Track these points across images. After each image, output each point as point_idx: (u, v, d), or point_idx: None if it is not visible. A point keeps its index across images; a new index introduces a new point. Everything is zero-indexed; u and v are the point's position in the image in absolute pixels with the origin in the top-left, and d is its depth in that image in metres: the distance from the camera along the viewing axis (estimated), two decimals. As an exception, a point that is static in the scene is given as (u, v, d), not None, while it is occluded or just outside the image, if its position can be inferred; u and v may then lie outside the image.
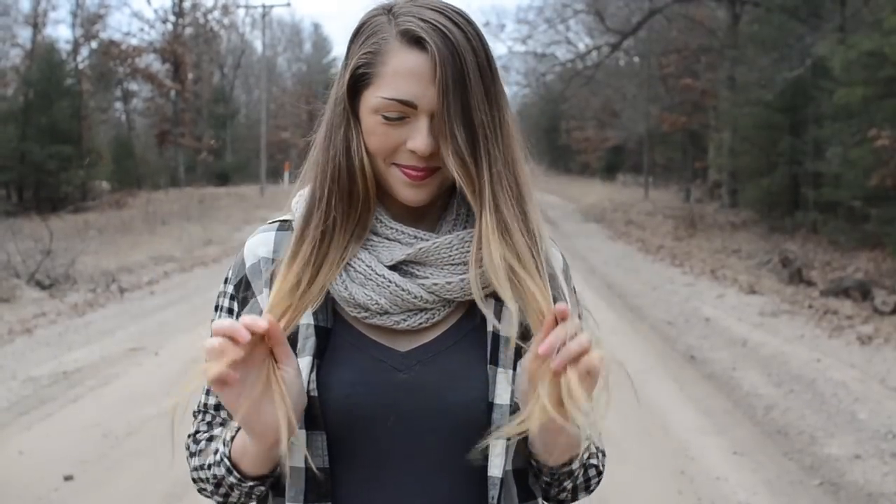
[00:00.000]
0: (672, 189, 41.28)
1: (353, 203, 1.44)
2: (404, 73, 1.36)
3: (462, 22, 1.39)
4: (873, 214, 16.92)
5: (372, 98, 1.39)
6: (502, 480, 1.41)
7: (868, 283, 13.67)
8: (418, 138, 1.37)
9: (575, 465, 1.44)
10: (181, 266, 18.17)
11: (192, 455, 1.55)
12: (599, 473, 1.57)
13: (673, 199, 36.06)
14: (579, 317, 1.53)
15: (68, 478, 5.93)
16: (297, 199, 1.54)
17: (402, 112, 1.37)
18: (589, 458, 1.52)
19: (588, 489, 1.57)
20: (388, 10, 1.42)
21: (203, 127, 50.90)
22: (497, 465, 1.40)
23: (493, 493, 1.40)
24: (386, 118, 1.38)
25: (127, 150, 43.30)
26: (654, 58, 39.28)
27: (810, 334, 10.71)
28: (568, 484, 1.49)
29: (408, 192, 1.42)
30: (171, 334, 10.49)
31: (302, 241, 1.44)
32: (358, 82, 1.41)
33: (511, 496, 1.45)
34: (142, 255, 19.54)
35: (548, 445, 1.38)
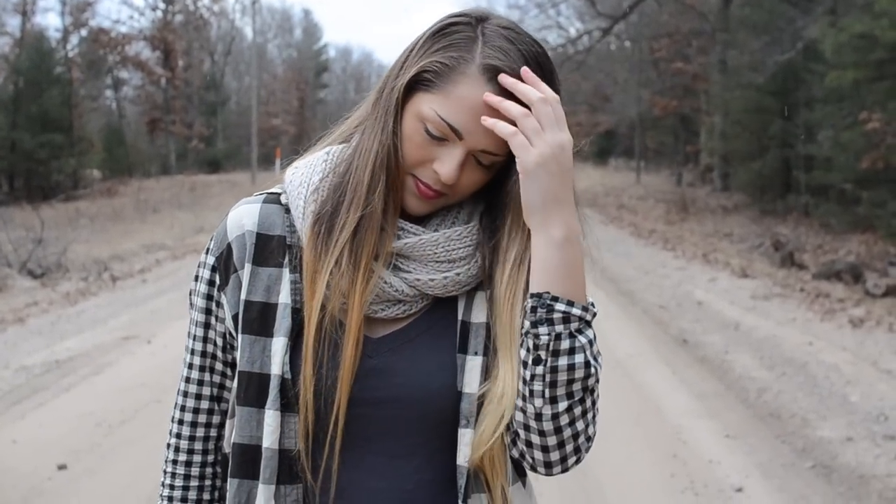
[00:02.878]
0: (664, 173, 41.34)
1: (398, 193, 1.44)
2: (468, 104, 1.37)
3: (546, 73, 1.41)
4: (865, 197, 16.94)
5: (425, 106, 1.38)
6: (471, 470, 1.42)
7: (859, 266, 13.70)
8: (447, 165, 1.38)
9: (560, 307, 1.35)
10: (173, 254, 18.16)
11: (163, 486, 1.58)
12: (592, 372, 1.38)
13: (665, 183, 36.11)
14: None
15: (62, 466, 5.93)
16: (291, 172, 1.52)
17: (446, 135, 1.38)
18: (578, 330, 1.38)
19: (571, 396, 1.37)
20: (478, 23, 1.41)
21: (194, 114, 50.76)
22: (466, 455, 1.41)
23: (461, 481, 1.42)
24: (428, 132, 1.38)
25: (118, 138, 43.16)
26: (646, 42, 39.21)
27: (802, 317, 10.73)
28: (544, 339, 1.34)
29: (414, 201, 1.43)
30: (164, 322, 10.48)
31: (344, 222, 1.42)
32: (419, 82, 1.40)
33: (481, 485, 1.44)
34: (133, 243, 19.53)
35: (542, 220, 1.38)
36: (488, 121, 1.35)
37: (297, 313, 1.42)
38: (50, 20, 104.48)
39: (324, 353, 1.39)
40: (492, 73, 1.36)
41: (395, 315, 1.44)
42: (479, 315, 1.45)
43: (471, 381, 1.42)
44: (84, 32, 42.84)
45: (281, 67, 68.97)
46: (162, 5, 48.11)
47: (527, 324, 1.37)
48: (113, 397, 7.51)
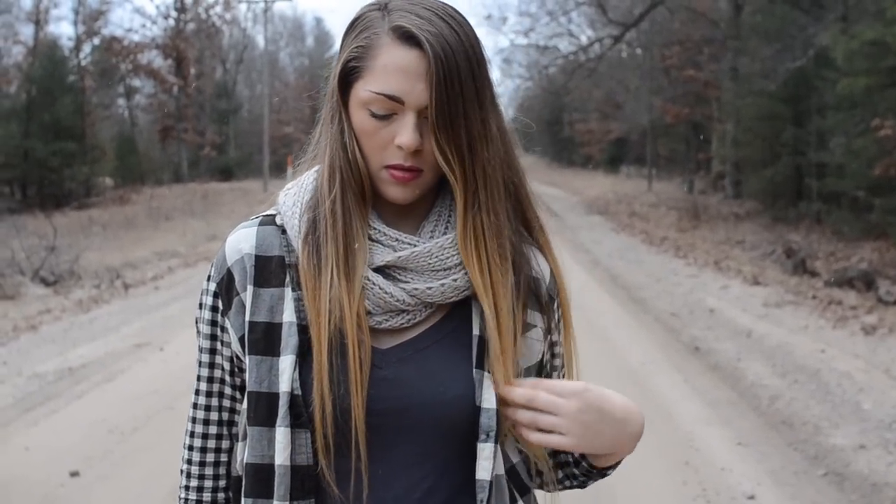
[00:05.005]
0: (675, 181, 41.21)
1: (356, 194, 1.46)
2: (393, 69, 1.38)
3: (455, 24, 1.41)
4: (877, 204, 16.89)
5: (361, 91, 1.41)
6: (491, 483, 1.43)
7: (872, 274, 13.66)
8: (405, 133, 1.39)
9: (609, 472, 1.56)
10: (185, 261, 18.21)
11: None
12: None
13: (676, 191, 36.01)
14: (553, 347, 1.58)
15: (74, 473, 5.95)
16: (284, 193, 1.55)
17: (390, 108, 1.39)
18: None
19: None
20: (382, 7, 1.44)
21: (206, 122, 50.82)
22: (486, 469, 1.42)
23: (483, 496, 1.42)
24: (374, 114, 1.40)
25: (130, 146, 43.30)
26: (657, 49, 39.17)
27: (814, 325, 10.71)
28: (581, 480, 1.59)
29: (395, 190, 1.44)
30: (176, 329, 10.50)
31: (323, 237, 1.45)
32: (349, 75, 1.43)
33: (503, 498, 1.46)
34: (146, 250, 19.59)
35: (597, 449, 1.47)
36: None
37: (302, 330, 1.43)
38: (63, 29, 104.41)
39: (335, 367, 1.40)
40: (401, 32, 1.39)
41: (400, 325, 1.45)
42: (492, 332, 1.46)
43: (490, 397, 1.43)
44: (97, 41, 42.95)
45: (293, 75, 69.13)
46: (174, 14, 48.26)
47: (574, 469, 1.58)
48: (125, 404, 7.53)
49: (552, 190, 39.98)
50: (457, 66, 1.38)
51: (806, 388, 7.91)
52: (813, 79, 20.79)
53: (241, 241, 1.51)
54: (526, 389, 1.40)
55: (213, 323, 1.52)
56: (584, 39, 43.79)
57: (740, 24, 29.42)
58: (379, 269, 1.45)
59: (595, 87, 46.97)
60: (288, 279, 1.46)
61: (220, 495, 1.57)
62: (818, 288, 13.43)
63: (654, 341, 10.02)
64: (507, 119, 1.52)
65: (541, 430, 1.40)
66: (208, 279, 1.53)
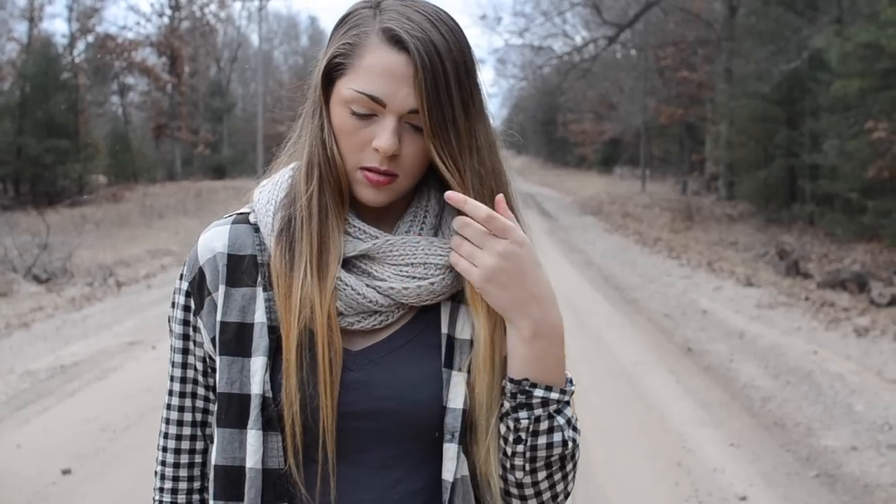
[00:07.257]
0: (669, 181, 41.24)
1: (334, 191, 1.44)
2: (378, 70, 1.37)
3: (446, 30, 1.39)
4: (870, 206, 16.94)
5: (344, 89, 1.39)
6: (454, 484, 1.42)
7: (865, 275, 13.69)
8: (383, 137, 1.37)
9: (538, 393, 1.39)
10: (178, 260, 18.16)
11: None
12: (563, 458, 1.44)
13: (670, 192, 36.02)
14: None
15: (66, 471, 5.94)
16: (259, 191, 1.54)
17: (371, 108, 1.38)
18: (557, 410, 1.41)
19: (550, 466, 1.43)
20: (375, 5, 1.42)
21: (199, 120, 50.72)
22: (449, 470, 1.42)
23: (446, 496, 1.42)
24: (354, 113, 1.39)
25: (123, 143, 43.16)
26: (651, 50, 39.22)
27: (807, 326, 10.72)
28: (524, 422, 1.39)
29: (368, 192, 1.42)
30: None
31: (297, 233, 1.43)
32: (333, 71, 1.42)
33: (469, 499, 1.45)
34: (139, 248, 19.55)
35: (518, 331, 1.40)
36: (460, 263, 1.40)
37: (273, 331, 1.42)
38: (57, 26, 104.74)
39: (305, 368, 1.38)
40: (390, 34, 1.37)
41: (373, 326, 1.44)
42: (464, 331, 1.45)
43: (455, 397, 1.42)
44: (91, 38, 42.86)
45: (287, 74, 69.08)
46: (168, 12, 48.20)
47: (507, 405, 1.41)
48: (117, 402, 7.52)
49: (546, 190, 40.02)
50: (443, 73, 1.36)
51: (798, 390, 7.92)
52: (807, 81, 20.85)
53: (214, 240, 1.49)
54: (471, 214, 1.38)
55: (186, 322, 1.50)
56: (578, 40, 43.85)
57: (735, 25, 29.50)
58: (351, 268, 1.44)
59: (589, 87, 47.05)
60: (260, 279, 1.45)
61: (195, 496, 1.56)
62: (811, 289, 13.45)
63: (646, 342, 10.02)
64: (497, 125, 1.50)
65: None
66: (181, 278, 1.51)
